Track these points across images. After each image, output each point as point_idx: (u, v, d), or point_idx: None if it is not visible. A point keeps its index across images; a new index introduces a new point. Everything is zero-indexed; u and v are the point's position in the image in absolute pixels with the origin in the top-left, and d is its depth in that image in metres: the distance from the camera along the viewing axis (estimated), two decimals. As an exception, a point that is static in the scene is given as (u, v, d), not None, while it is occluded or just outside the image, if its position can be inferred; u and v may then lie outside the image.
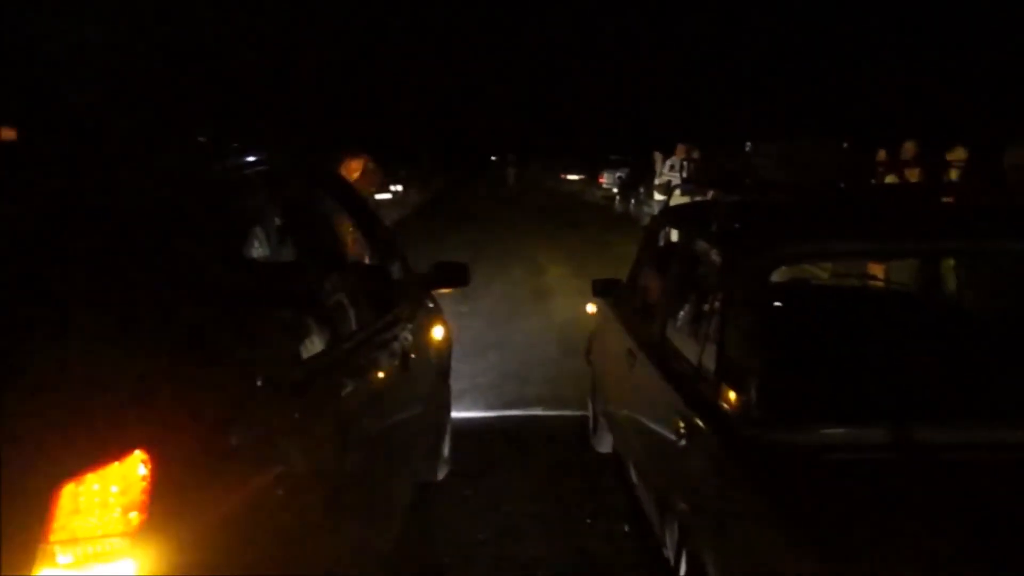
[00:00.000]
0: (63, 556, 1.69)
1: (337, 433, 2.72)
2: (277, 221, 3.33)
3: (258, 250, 3.25)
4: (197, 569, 1.86)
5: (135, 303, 1.99)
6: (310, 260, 3.26)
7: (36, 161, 2.61)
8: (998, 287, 4.22)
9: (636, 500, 3.78)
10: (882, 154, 9.50)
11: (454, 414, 5.02)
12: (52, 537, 1.69)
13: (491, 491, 4.57)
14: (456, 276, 4.22)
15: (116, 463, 1.74)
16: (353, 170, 5.90)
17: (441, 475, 4.57)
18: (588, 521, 4.21)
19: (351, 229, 4.08)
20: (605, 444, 4.93)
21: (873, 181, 8.22)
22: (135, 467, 1.76)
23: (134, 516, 1.74)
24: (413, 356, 3.73)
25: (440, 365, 4.57)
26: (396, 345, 3.56)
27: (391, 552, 3.31)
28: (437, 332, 4.48)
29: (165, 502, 1.79)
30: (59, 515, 1.69)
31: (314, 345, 2.80)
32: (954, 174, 7.68)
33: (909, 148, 8.66)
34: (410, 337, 3.79)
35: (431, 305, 4.47)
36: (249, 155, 2.93)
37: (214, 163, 2.81)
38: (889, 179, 8.29)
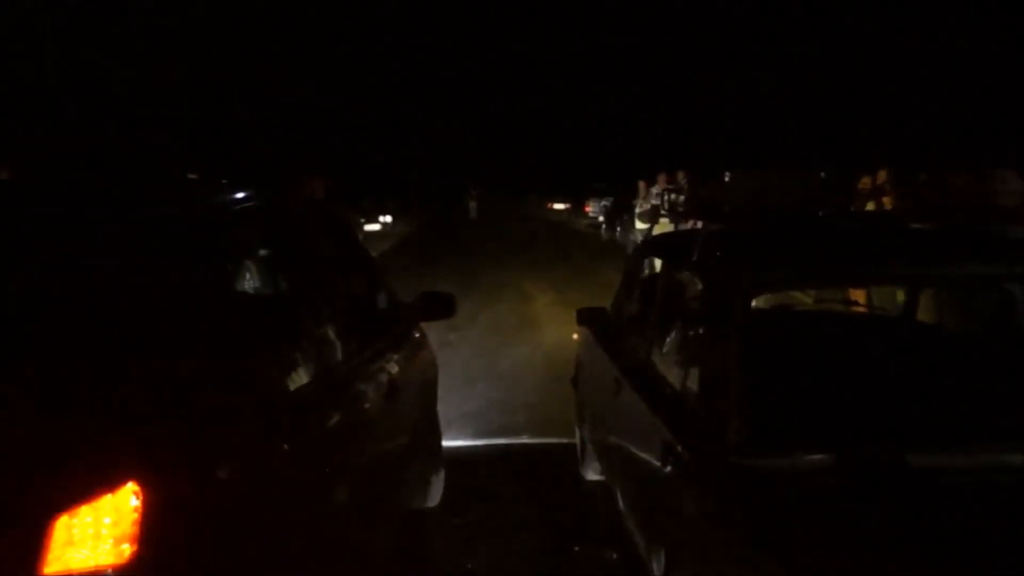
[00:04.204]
0: None
1: (325, 464, 2.74)
2: (267, 254, 3.37)
3: (249, 283, 3.28)
4: None
5: (127, 338, 2.04)
6: (299, 292, 3.30)
7: (31, 198, 2.68)
8: (978, 311, 4.28)
9: (624, 527, 3.80)
10: (866, 181, 9.59)
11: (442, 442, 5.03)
12: (46, 569, 1.73)
13: (479, 519, 4.57)
14: (442, 307, 4.25)
15: (109, 495, 1.79)
16: (312, 189, 6.17)
17: (433, 503, 4.58)
18: (576, 548, 4.21)
19: (339, 261, 4.12)
20: (593, 471, 4.94)
21: (853, 208, 8.35)
22: (127, 499, 1.80)
23: (126, 548, 1.78)
24: (400, 386, 3.75)
25: (427, 394, 4.60)
26: (383, 376, 3.59)
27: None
28: (423, 362, 4.52)
29: (156, 534, 1.83)
30: (53, 547, 1.74)
31: (302, 376, 2.82)
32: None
33: (882, 175, 8.76)
34: (396, 367, 3.83)
35: (417, 335, 4.50)
36: (238, 192, 3.01)
37: (206, 200, 2.91)
38: (869, 206, 8.41)
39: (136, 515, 1.80)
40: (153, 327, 2.12)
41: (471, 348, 9.01)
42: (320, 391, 2.88)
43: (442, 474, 4.69)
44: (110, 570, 1.77)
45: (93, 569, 1.76)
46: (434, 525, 4.48)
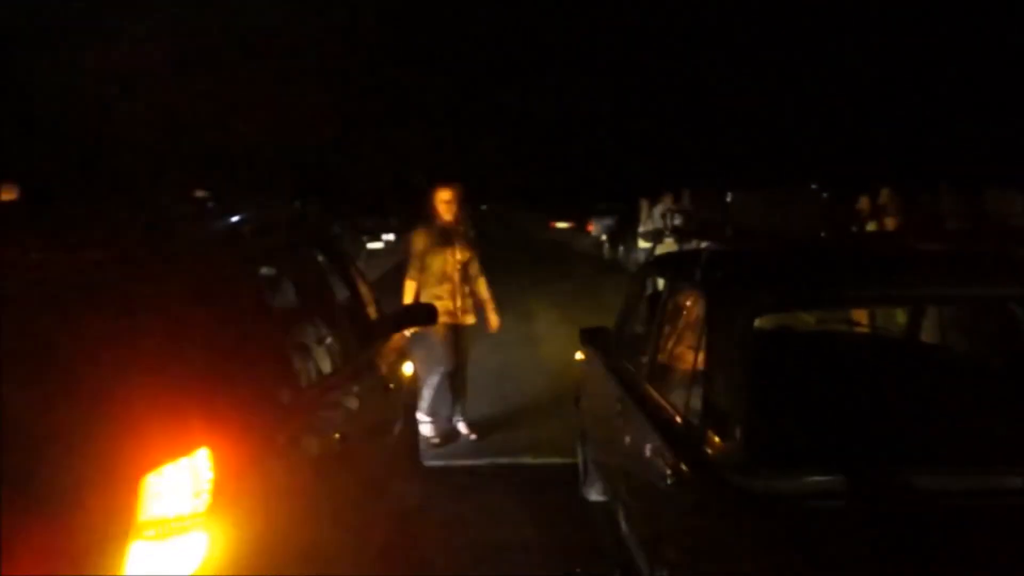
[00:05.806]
0: (149, 531, 2.18)
1: (342, 445, 3.29)
2: (270, 271, 3.54)
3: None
4: (250, 538, 2.43)
5: (192, 339, 2.46)
6: (301, 304, 3.61)
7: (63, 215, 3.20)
8: (981, 332, 4.28)
9: (626, 548, 3.79)
10: (865, 202, 9.61)
11: (443, 462, 5.19)
12: (140, 517, 2.17)
13: (480, 539, 4.56)
14: (424, 316, 4.64)
15: (187, 458, 2.23)
16: (445, 199, 6.36)
17: (413, 502, 4.76)
18: (578, 570, 4.20)
19: (333, 275, 4.29)
20: (595, 492, 4.93)
21: (854, 229, 8.36)
22: (202, 461, 2.26)
23: (202, 500, 2.25)
24: (389, 388, 4.17)
25: (409, 397, 4.95)
26: (375, 378, 3.97)
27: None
28: (407, 367, 4.88)
29: (225, 488, 2.30)
30: (145, 499, 2.18)
31: (310, 377, 3.27)
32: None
33: (885, 195, 8.77)
34: (385, 371, 4.22)
35: (401, 343, 4.89)
36: (242, 213, 3.38)
37: (216, 221, 3.37)
38: (870, 226, 8.43)
39: (209, 474, 2.26)
40: (213, 331, 2.55)
41: (473, 365, 8.98)
42: (328, 388, 3.38)
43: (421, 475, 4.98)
44: (190, 517, 2.22)
45: (176, 516, 2.19)
46: (435, 544, 4.47)
